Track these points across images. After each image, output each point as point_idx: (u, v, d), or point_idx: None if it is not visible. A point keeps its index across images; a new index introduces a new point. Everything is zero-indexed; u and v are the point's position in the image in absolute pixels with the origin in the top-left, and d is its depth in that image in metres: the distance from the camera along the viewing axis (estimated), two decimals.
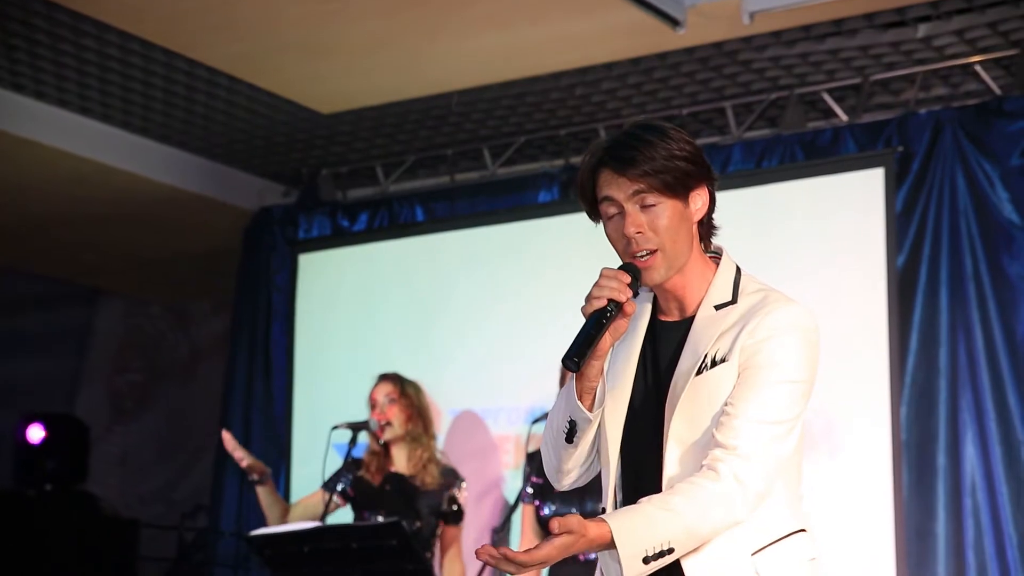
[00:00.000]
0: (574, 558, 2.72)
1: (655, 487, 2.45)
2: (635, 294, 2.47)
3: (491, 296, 6.80)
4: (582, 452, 2.57)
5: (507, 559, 2.27)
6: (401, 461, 5.34)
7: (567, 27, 5.70)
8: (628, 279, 2.44)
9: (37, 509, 8.20)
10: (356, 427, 5.34)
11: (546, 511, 5.08)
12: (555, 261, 6.38)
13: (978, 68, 5.95)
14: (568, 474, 2.62)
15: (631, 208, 2.46)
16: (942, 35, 5.78)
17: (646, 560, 2.31)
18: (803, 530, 2.51)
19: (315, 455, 5.44)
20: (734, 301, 2.51)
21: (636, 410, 2.54)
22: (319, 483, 5.37)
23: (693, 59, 6.12)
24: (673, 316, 2.57)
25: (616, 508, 2.53)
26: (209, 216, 7.94)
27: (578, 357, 2.42)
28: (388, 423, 5.29)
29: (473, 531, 6.22)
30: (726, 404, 2.42)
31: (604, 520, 2.31)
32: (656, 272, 2.47)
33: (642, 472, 2.51)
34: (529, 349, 6.29)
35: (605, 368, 2.53)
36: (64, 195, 7.57)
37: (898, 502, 5.61)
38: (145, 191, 7.51)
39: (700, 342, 2.47)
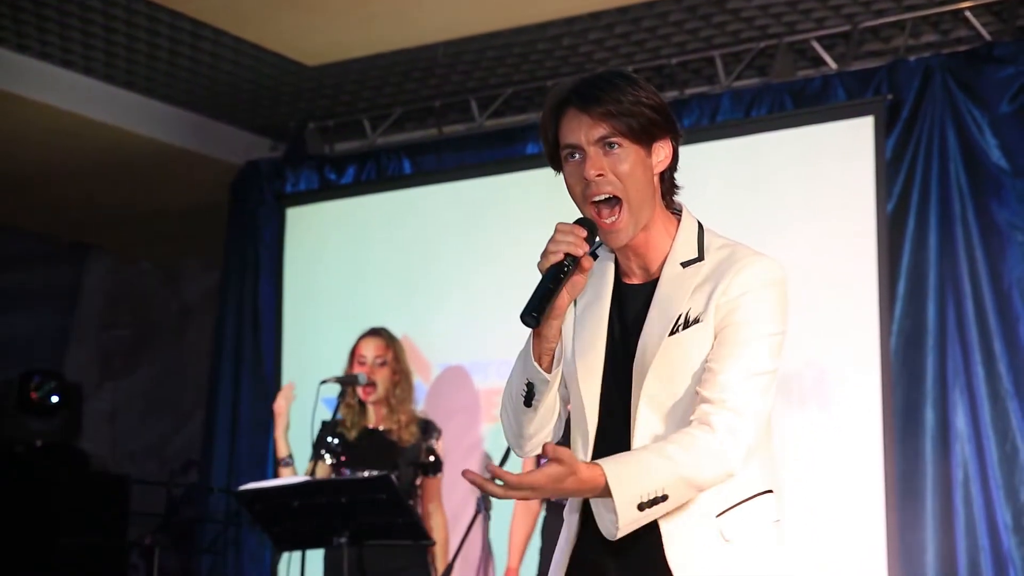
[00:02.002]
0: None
1: (621, 444, 2.40)
2: (593, 248, 2.42)
3: (479, 249, 6.77)
4: (543, 416, 2.51)
5: (493, 479, 2.22)
6: (376, 418, 5.34)
7: None
8: (584, 233, 2.38)
9: (27, 466, 8.20)
10: (345, 381, 5.33)
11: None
12: (543, 213, 6.33)
13: (968, 14, 5.91)
14: (529, 439, 2.56)
15: (593, 151, 2.38)
16: None
17: (640, 507, 2.27)
18: (770, 491, 2.45)
19: (304, 410, 5.42)
20: (700, 258, 2.44)
21: (610, 374, 2.46)
22: (308, 437, 5.34)
23: (681, 8, 6.07)
24: (636, 278, 2.50)
25: None
26: (195, 171, 7.90)
27: (537, 312, 2.36)
28: (372, 383, 5.27)
29: (461, 485, 6.22)
30: (708, 361, 2.37)
31: (598, 464, 2.26)
32: (623, 234, 2.40)
33: (610, 437, 2.45)
34: (518, 301, 6.26)
35: (568, 331, 2.49)
36: (47, 150, 7.52)
37: (888, 451, 5.61)
38: (130, 145, 7.45)
39: (670, 302, 2.41)
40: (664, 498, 2.28)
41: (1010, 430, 5.52)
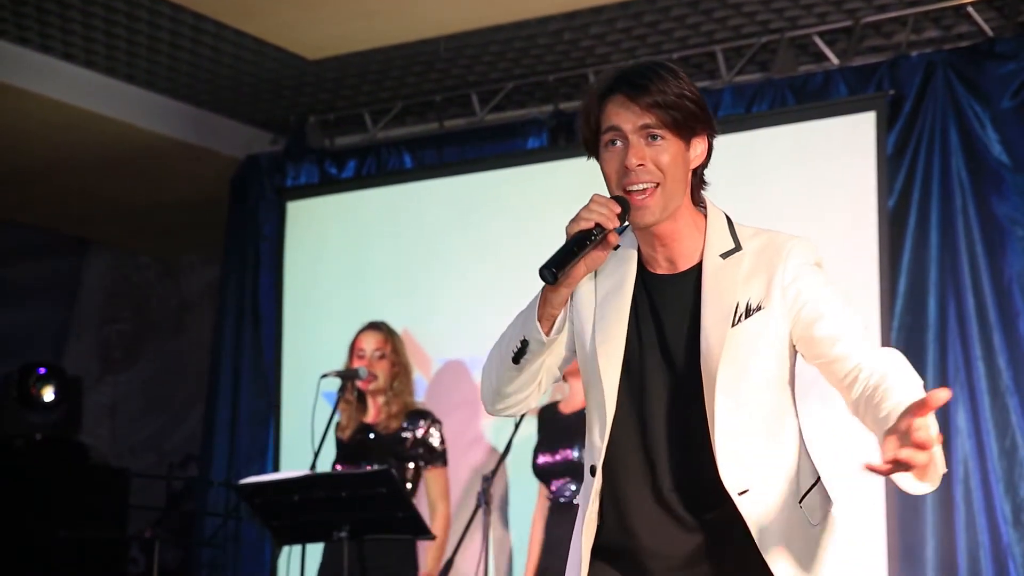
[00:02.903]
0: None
1: (699, 439, 2.42)
2: (622, 229, 2.44)
3: (480, 243, 6.76)
4: (524, 380, 2.55)
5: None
6: (374, 412, 5.34)
7: None
8: (619, 209, 2.40)
9: (27, 459, 8.20)
10: (345, 375, 5.33)
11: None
12: (544, 208, 6.34)
13: (970, 10, 5.90)
14: (504, 398, 2.60)
15: (636, 140, 2.41)
16: None
17: None
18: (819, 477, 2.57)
19: (305, 404, 5.42)
20: (739, 247, 2.49)
21: (643, 365, 2.49)
22: (308, 431, 5.33)
23: (683, 2, 6.06)
24: (663, 268, 2.52)
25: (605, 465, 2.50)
26: (196, 164, 7.89)
27: (556, 268, 2.37)
28: (373, 376, 5.27)
29: (463, 479, 6.23)
30: (823, 332, 2.43)
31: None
32: (651, 212, 2.42)
33: (677, 425, 2.46)
34: (518, 296, 6.26)
35: (588, 317, 2.51)
36: (48, 143, 7.52)
37: None
38: (130, 139, 7.44)
39: (721, 293, 2.44)
40: None
41: (1010, 426, 5.52)
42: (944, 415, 5.64)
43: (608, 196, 2.43)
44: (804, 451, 2.54)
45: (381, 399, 5.34)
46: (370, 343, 5.36)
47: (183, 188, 8.29)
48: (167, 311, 9.86)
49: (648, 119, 2.40)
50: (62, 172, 8.03)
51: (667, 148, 2.42)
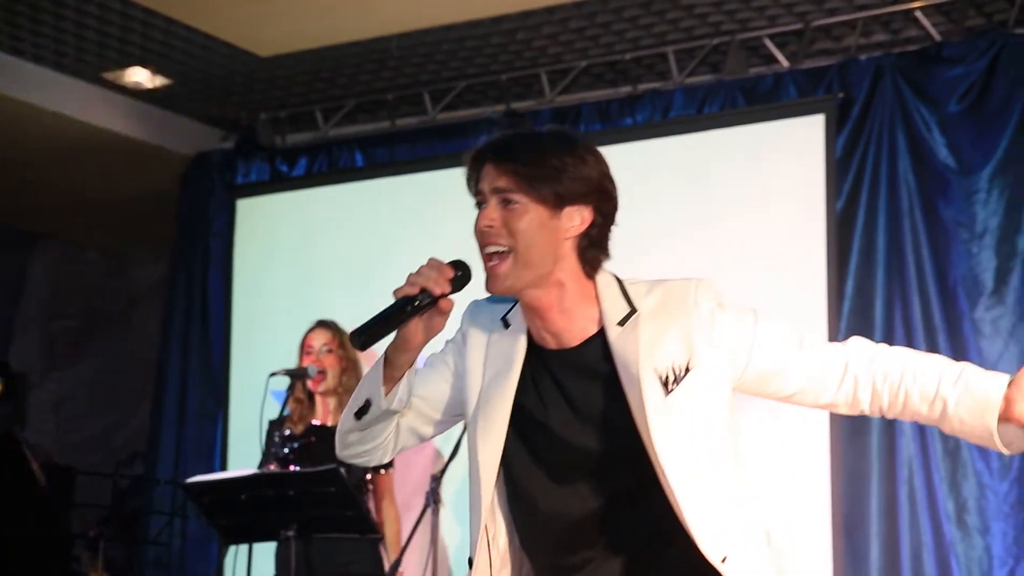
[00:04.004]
0: None
1: (649, 514, 2.34)
2: (456, 287, 2.34)
3: (432, 242, 6.68)
4: (369, 435, 2.47)
5: None
6: (323, 412, 5.32)
7: None
8: (451, 274, 2.33)
9: None
10: (294, 374, 5.31)
11: None
12: None
13: (918, 14, 5.96)
14: (349, 447, 2.52)
15: (492, 200, 2.34)
16: None
17: None
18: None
19: (253, 402, 5.39)
20: (634, 310, 2.36)
21: (549, 440, 2.38)
22: (256, 430, 5.31)
23: (635, 4, 6.08)
24: (553, 343, 2.40)
25: (492, 551, 2.43)
26: (146, 161, 7.83)
27: (364, 336, 2.28)
28: (322, 371, 5.26)
29: (411, 480, 6.21)
30: (776, 364, 2.39)
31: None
32: (499, 280, 2.32)
33: (623, 505, 2.37)
34: (468, 296, 6.26)
35: (473, 397, 2.42)
36: None
37: (835, 449, 5.66)
38: (79, 134, 7.38)
39: (630, 362, 2.31)
40: None
41: None
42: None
43: (448, 261, 2.36)
44: (758, 504, 2.44)
45: (332, 400, 5.32)
46: (319, 340, 5.35)
47: (133, 184, 8.23)
48: (115, 307, 9.78)
49: (501, 182, 2.32)
50: (10, 166, 7.95)
51: (522, 213, 2.31)
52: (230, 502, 4.78)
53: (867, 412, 2.41)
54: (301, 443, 5.30)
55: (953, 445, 5.58)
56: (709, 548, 2.28)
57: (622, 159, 6.44)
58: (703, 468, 2.32)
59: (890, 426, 5.70)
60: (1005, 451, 2.26)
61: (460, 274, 2.34)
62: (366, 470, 5.22)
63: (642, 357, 2.31)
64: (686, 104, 6.40)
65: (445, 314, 2.36)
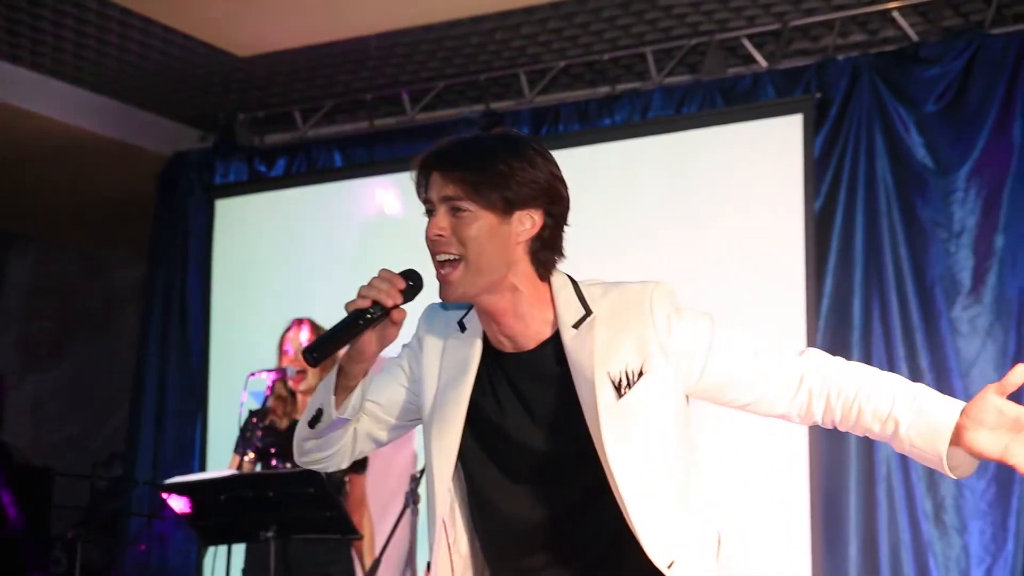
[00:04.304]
0: None
1: (608, 520, 2.31)
2: (407, 297, 2.34)
3: (410, 242, 6.71)
4: (323, 444, 2.47)
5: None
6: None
7: None
8: (403, 285, 2.32)
9: None
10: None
11: None
12: None
13: (895, 14, 5.98)
14: (306, 454, 2.52)
15: (441, 209, 2.31)
16: None
17: None
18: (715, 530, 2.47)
19: (232, 402, 5.38)
20: (589, 312, 2.35)
21: (508, 444, 2.38)
22: (235, 430, 5.31)
23: (614, 4, 6.08)
24: (510, 347, 2.39)
25: (454, 555, 2.42)
26: (123, 161, 7.80)
27: (316, 352, 2.31)
28: (302, 371, 5.24)
29: (392, 480, 6.21)
30: (744, 383, 2.37)
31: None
32: (452, 288, 2.31)
33: (573, 509, 2.36)
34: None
35: (427, 403, 2.43)
36: None
37: (813, 446, 5.67)
38: (57, 134, 7.35)
39: (584, 365, 2.30)
40: None
41: None
42: None
43: (399, 271, 2.35)
44: (712, 511, 2.43)
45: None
46: (297, 339, 5.34)
47: (111, 184, 8.20)
48: (93, 308, 9.74)
49: (449, 190, 2.29)
50: None
51: (471, 221, 2.29)
52: (209, 503, 4.76)
53: (820, 424, 2.40)
54: (285, 439, 5.28)
55: None
56: (656, 553, 2.28)
57: (601, 159, 6.51)
58: (654, 473, 2.31)
59: None
60: (951, 475, 2.26)
61: (412, 284, 2.33)
62: (344, 472, 5.21)
63: (596, 360, 2.30)
64: (665, 104, 6.41)
65: (398, 324, 2.35)
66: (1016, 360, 5.50)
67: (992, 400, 2.19)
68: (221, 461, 6.72)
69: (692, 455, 2.40)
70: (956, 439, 2.23)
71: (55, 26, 6.39)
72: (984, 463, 5.47)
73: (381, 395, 2.51)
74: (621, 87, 6.68)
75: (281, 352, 5.36)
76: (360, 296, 2.33)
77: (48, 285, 9.77)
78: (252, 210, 7.39)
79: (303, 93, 7.33)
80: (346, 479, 5.25)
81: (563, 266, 2.44)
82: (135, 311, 8.54)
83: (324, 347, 2.31)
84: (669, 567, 2.29)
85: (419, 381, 2.48)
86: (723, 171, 6.05)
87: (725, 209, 5.98)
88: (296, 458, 2.56)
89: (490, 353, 2.42)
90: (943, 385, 5.60)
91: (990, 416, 2.19)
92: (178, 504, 4.77)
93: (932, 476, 5.59)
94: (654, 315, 2.33)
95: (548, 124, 6.69)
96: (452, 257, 2.31)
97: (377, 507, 5.42)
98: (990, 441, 2.19)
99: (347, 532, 4.85)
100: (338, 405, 2.39)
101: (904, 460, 5.62)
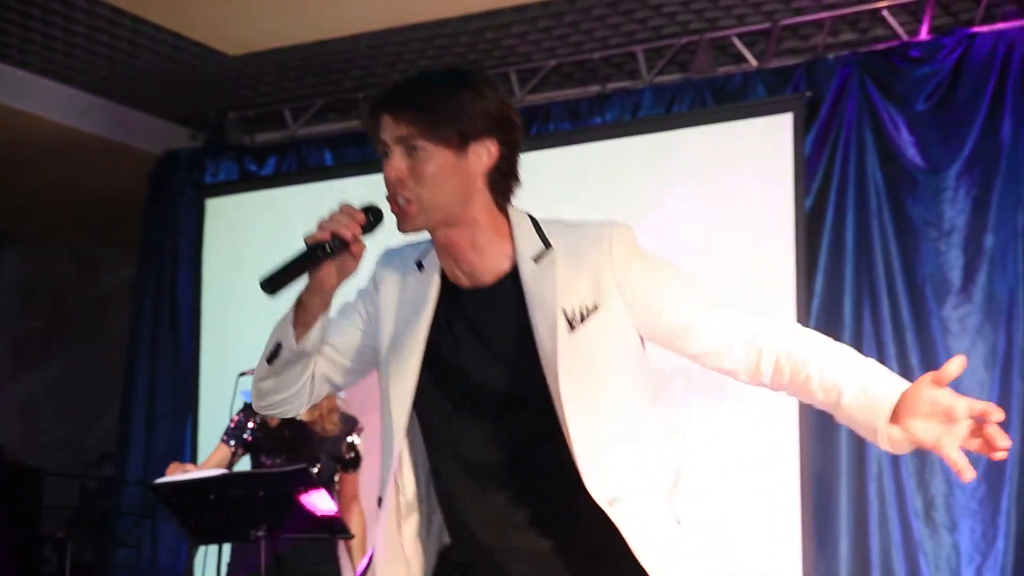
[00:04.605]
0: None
1: (555, 454, 2.28)
2: (367, 231, 2.32)
3: (400, 241, 6.74)
4: (281, 382, 2.43)
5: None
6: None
7: None
8: (362, 219, 2.30)
9: None
10: None
11: None
12: None
13: (885, 13, 5.99)
14: (264, 396, 2.46)
15: (396, 150, 2.29)
16: None
17: None
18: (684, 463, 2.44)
19: (223, 402, 5.36)
20: (548, 246, 2.33)
21: (464, 379, 2.35)
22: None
23: (604, 3, 6.09)
24: (468, 282, 2.37)
25: (400, 498, 2.40)
26: (114, 160, 7.79)
27: (273, 282, 2.27)
28: None
29: (375, 479, 6.19)
30: (685, 322, 2.33)
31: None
32: (410, 220, 2.31)
33: (525, 445, 2.34)
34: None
35: (385, 339, 2.41)
36: None
37: (804, 444, 5.67)
38: (47, 133, 7.34)
39: (544, 299, 2.29)
40: None
41: None
42: None
43: (359, 206, 2.33)
44: (668, 447, 2.40)
45: None
46: None
47: (101, 183, 8.19)
48: (84, 307, 9.73)
49: (402, 130, 2.27)
50: None
51: (427, 160, 2.27)
52: (199, 503, 4.75)
53: (766, 385, 2.38)
54: (276, 435, 5.28)
55: None
56: (597, 490, 2.27)
57: (591, 158, 6.51)
58: (604, 408, 2.29)
59: None
60: (889, 449, 2.25)
61: (371, 219, 2.31)
62: (335, 469, 5.20)
63: (556, 294, 2.29)
64: (655, 103, 6.41)
65: (357, 258, 2.32)
66: (1007, 359, 5.51)
67: (926, 391, 2.19)
68: None
69: (646, 393, 2.38)
70: (895, 418, 2.22)
71: (44, 25, 6.38)
72: (976, 461, 5.49)
73: (337, 338, 2.48)
74: (611, 86, 6.68)
75: None
76: (319, 229, 2.29)
77: (39, 285, 9.76)
78: (243, 209, 7.39)
79: (293, 92, 7.32)
80: (336, 478, 5.25)
81: None
82: (126, 311, 8.53)
83: (280, 278, 2.27)
84: (610, 504, 2.26)
85: (375, 322, 2.46)
86: (713, 170, 6.05)
87: (715, 208, 5.98)
88: (254, 403, 2.50)
89: (448, 290, 2.40)
90: None
91: (923, 406, 2.19)
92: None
93: (923, 475, 5.60)
94: (612, 253, 2.31)
95: (538, 123, 6.69)
96: (411, 196, 2.30)
97: (365, 508, 5.41)
98: (924, 429, 2.19)
99: (337, 532, 4.85)
100: (298, 339, 2.37)
101: (895, 459, 5.62)
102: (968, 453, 5.73)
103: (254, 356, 5.97)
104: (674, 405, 5.88)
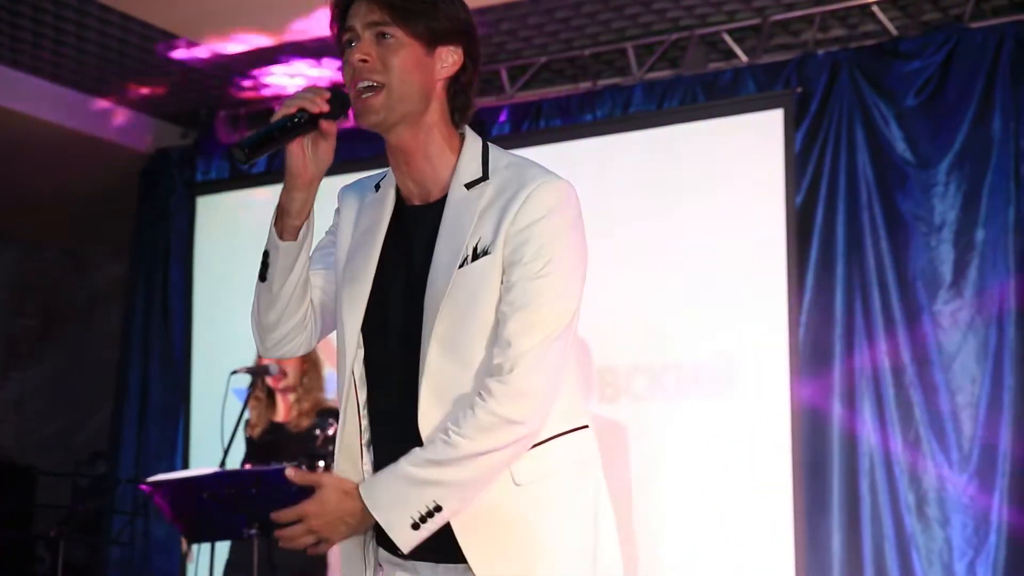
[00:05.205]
0: None
1: (408, 391, 2.25)
2: (335, 116, 2.28)
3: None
4: (282, 303, 2.39)
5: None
6: (284, 409, 5.31)
7: None
8: (327, 95, 2.26)
9: None
10: (255, 371, 5.29)
11: None
12: None
13: (875, 9, 5.99)
14: (268, 330, 2.42)
15: (366, 36, 2.27)
16: None
17: (415, 526, 2.19)
18: (573, 430, 2.33)
19: (215, 400, 5.37)
20: (485, 177, 2.30)
21: (389, 305, 2.33)
22: (218, 428, 5.29)
23: (594, 0, 6.09)
24: (418, 199, 2.36)
25: (357, 420, 2.35)
26: (105, 158, 7.78)
27: (246, 147, 2.22)
28: (283, 373, 5.25)
29: None
30: (500, 308, 2.22)
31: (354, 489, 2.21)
32: (372, 110, 2.26)
33: (393, 373, 2.31)
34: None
35: (342, 255, 2.40)
36: None
37: (796, 440, 5.68)
38: (38, 132, 7.33)
39: (457, 228, 2.26)
40: (439, 509, 2.18)
41: (913, 419, 5.62)
42: (850, 410, 5.74)
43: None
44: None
45: (291, 396, 5.31)
46: None
47: (92, 181, 8.18)
48: (75, 305, 9.72)
49: (376, 16, 2.26)
50: None
51: (397, 48, 2.26)
52: (191, 501, 4.76)
53: None
54: (260, 443, 5.29)
55: (913, 438, 5.62)
56: (427, 426, 2.23)
57: (583, 154, 6.50)
58: (462, 348, 2.23)
59: (851, 419, 5.73)
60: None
61: (338, 100, 2.27)
62: (328, 465, 5.20)
63: (465, 226, 2.26)
64: (646, 99, 6.41)
65: (330, 139, 2.29)
66: (998, 353, 5.52)
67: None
68: (204, 458, 6.72)
69: None
70: None
71: (35, 23, 6.37)
72: (969, 455, 5.46)
73: (320, 266, 2.48)
74: (602, 82, 6.68)
75: None
76: (285, 105, 2.26)
77: (30, 283, 9.75)
78: (234, 207, 7.38)
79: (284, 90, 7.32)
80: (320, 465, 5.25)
81: None
82: (117, 309, 8.52)
83: (254, 143, 2.24)
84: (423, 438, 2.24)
85: (338, 240, 2.45)
86: (704, 166, 6.05)
87: (706, 204, 5.98)
88: (260, 347, 2.48)
89: (401, 209, 2.39)
90: (925, 379, 5.62)
91: None
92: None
93: (915, 470, 5.61)
94: (524, 205, 2.25)
95: (529, 120, 6.69)
96: (374, 83, 2.26)
97: None
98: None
99: None
100: (283, 237, 2.34)
101: (887, 454, 5.63)
102: (962, 447, 5.71)
103: (246, 353, 6.01)
104: (665, 401, 5.89)
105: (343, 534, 2.23)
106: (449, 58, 2.32)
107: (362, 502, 2.18)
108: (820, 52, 6.08)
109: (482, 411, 2.18)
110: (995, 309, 5.57)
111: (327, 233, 2.53)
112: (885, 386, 5.68)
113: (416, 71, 2.28)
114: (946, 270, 5.67)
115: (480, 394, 2.20)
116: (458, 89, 2.35)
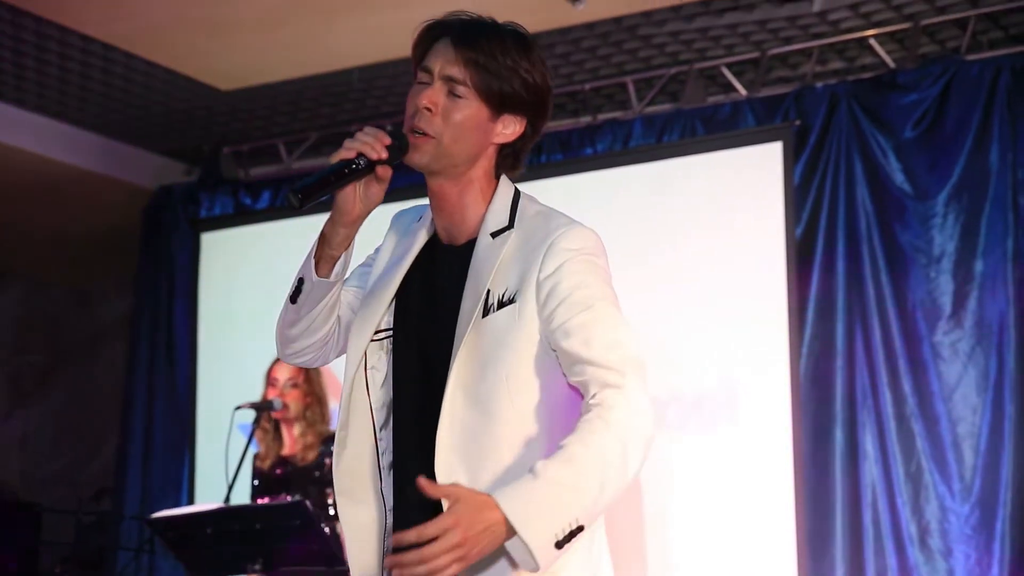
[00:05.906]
0: None
1: (427, 427, 2.23)
2: (393, 160, 2.26)
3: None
4: (305, 324, 2.41)
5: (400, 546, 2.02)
6: (290, 442, 5.34)
7: (468, 2, 5.67)
8: (388, 141, 2.24)
9: None
10: (259, 407, 5.31)
11: None
12: None
13: (873, 42, 6.04)
14: (289, 342, 2.46)
15: (438, 85, 2.25)
16: (837, 9, 5.86)
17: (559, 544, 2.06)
18: None
19: (220, 436, 5.39)
20: (511, 226, 2.29)
21: (406, 343, 2.34)
22: (223, 463, 5.31)
23: (594, 34, 6.13)
24: (447, 239, 2.36)
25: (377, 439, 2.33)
26: (108, 195, 7.82)
27: (301, 193, 2.22)
28: (286, 406, 5.28)
29: None
30: (561, 344, 2.18)
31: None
32: (421, 153, 2.26)
33: (414, 406, 2.31)
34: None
35: (369, 283, 2.40)
36: None
37: (798, 470, 5.69)
38: (42, 170, 7.37)
39: (480, 276, 2.25)
40: (581, 528, 2.07)
41: (915, 450, 5.63)
42: (851, 440, 5.75)
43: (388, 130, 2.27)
44: (545, 443, 2.23)
45: (296, 430, 5.33)
46: (283, 372, 5.36)
47: (96, 218, 8.22)
48: (80, 342, 9.73)
49: (455, 71, 2.25)
50: None
51: (464, 108, 2.25)
52: (196, 536, 4.77)
53: None
54: (269, 478, 5.31)
55: (915, 469, 5.63)
56: (442, 476, 2.18)
57: (583, 188, 6.54)
58: (485, 401, 2.20)
59: (853, 450, 5.74)
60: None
61: (397, 142, 2.28)
62: (322, 493, 5.20)
63: (489, 275, 2.25)
64: (646, 133, 6.45)
65: (383, 183, 2.28)
66: (998, 383, 5.54)
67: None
68: (209, 493, 6.73)
69: (539, 400, 2.24)
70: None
71: (38, 62, 6.43)
72: (971, 486, 5.46)
73: (355, 287, 2.49)
74: (602, 116, 6.73)
75: (268, 383, 5.37)
76: (345, 147, 2.26)
77: (35, 320, 9.76)
78: (238, 243, 7.41)
79: (287, 126, 7.37)
80: (330, 502, 5.26)
81: None
82: (122, 345, 8.54)
83: (309, 188, 2.24)
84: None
85: (374, 267, 2.46)
86: (704, 199, 6.08)
87: (707, 236, 6.01)
88: (280, 351, 2.50)
89: (431, 245, 2.39)
90: (926, 409, 5.63)
91: None
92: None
93: (917, 501, 5.62)
94: (549, 251, 2.23)
95: (531, 154, 6.70)
96: (430, 133, 2.26)
97: None
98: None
99: (334, 564, 4.86)
100: (325, 275, 2.34)
101: (889, 486, 5.64)
102: (964, 477, 5.71)
103: (250, 389, 6.04)
104: (667, 432, 5.90)
105: (484, 549, 2.04)
106: (511, 126, 2.32)
107: (502, 512, 2.03)
108: (818, 85, 6.12)
109: (609, 415, 2.11)
110: (995, 339, 5.59)
111: (375, 250, 2.54)
112: (886, 417, 5.69)
113: (474, 132, 2.28)
114: (946, 301, 5.69)
115: (593, 410, 2.12)
116: (510, 153, 2.36)
